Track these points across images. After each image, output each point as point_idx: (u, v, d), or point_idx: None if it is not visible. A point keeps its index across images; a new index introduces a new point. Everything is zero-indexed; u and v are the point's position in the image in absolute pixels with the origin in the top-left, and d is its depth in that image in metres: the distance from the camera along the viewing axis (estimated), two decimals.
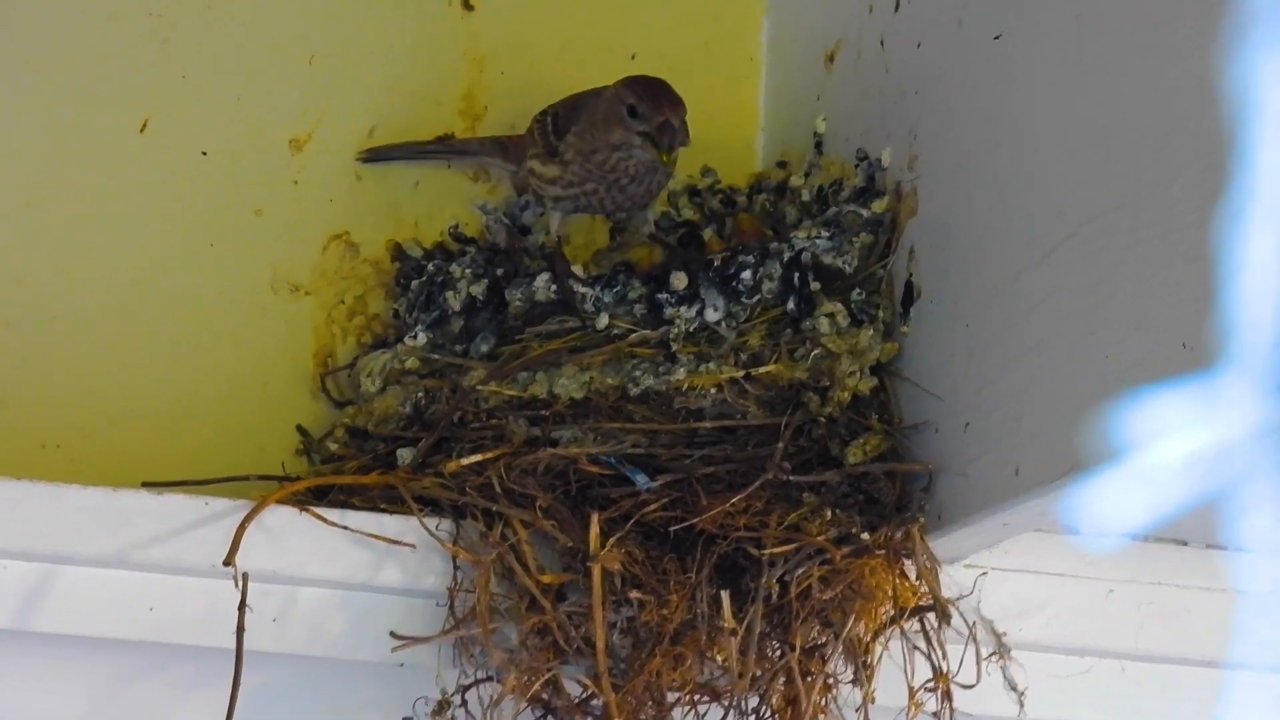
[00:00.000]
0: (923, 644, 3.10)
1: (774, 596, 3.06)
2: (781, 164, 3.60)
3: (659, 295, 3.26)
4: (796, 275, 3.26)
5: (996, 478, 2.93)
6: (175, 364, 3.41)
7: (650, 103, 3.30)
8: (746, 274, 3.25)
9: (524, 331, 3.30)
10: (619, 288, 3.29)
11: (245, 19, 3.51)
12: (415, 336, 3.37)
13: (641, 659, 3.03)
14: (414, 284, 3.45)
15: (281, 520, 3.08)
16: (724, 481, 3.13)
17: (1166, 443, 2.59)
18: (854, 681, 3.10)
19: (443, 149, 3.56)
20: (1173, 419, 2.54)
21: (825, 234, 3.30)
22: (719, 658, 3.06)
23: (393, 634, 3.08)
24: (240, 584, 2.97)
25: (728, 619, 3.03)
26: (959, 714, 3.09)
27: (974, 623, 3.14)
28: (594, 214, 3.48)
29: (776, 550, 3.06)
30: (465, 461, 3.15)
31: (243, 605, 2.97)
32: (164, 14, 3.48)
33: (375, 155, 3.53)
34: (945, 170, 3.17)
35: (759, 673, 3.04)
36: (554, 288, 3.31)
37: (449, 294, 3.38)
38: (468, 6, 3.62)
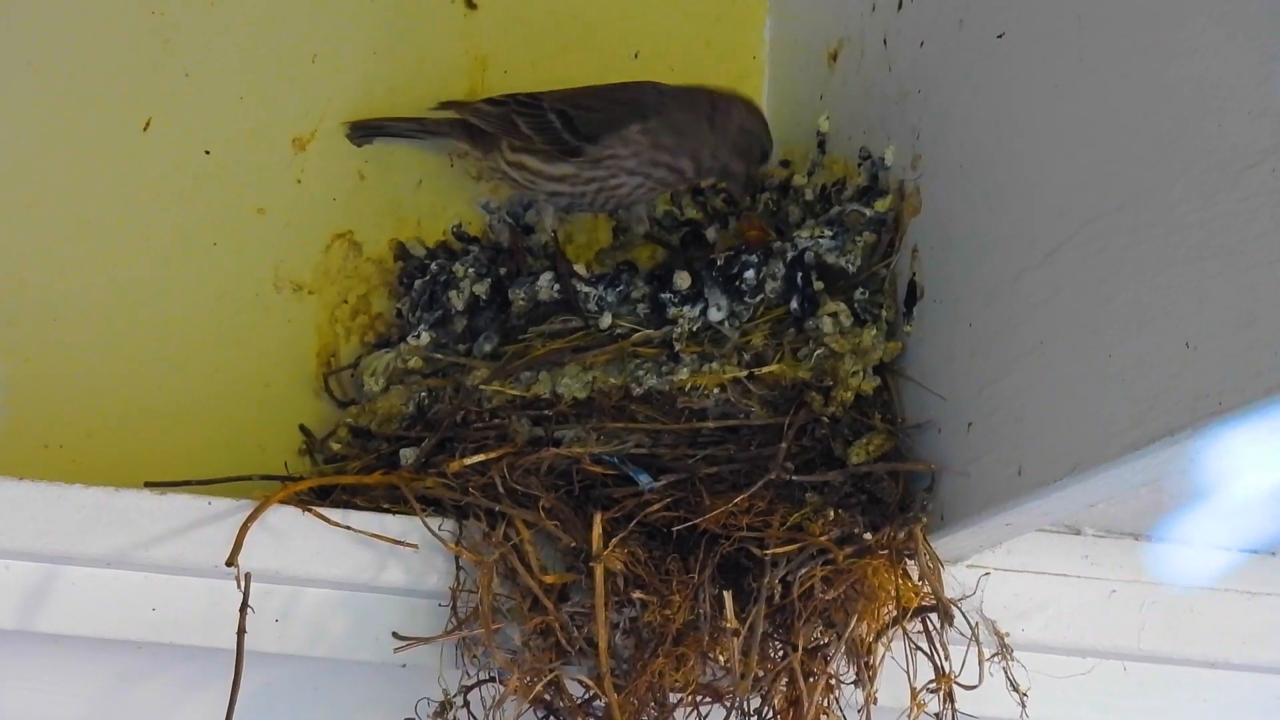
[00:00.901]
0: (925, 644, 3.10)
1: (776, 597, 3.05)
2: (784, 163, 3.59)
3: (662, 294, 3.25)
4: (800, 274, 3.25)
5: (999, 477, 2.93)
6: (178, 363, 3.41)
7: (766, 155, 3.42)
8: (750, 273, 3.25)
9: (527, 331, 3.30)
10: (622, 287, 3.28)
11: (248, 18, 3.51)
12: (418, 336, 3.37)
13: (644, 659, 3.03)
14: (417, 283, 3.44)
15: (284, 520, 3.07)
16: (727, 481, 3.13)
17: None
18: (856, 682, 3.09)
19: (417, 129, 3.51)
20: None
21: (828, 233, 3.30)
22: (721, 658, 3.05)
23: (395, 634, 3.08)
24: (243, 584, 2.97)
25: (730, 619, 3.03)
26: (961, 715, 3.08)
27: (976, 623, 3.13)
28: (590, 213, 3.48)
29: (779, 550, 3.05)
30: (468, 461, 3.15)
31: (245, 605, 2.96)
32: (166, 13, 3.48)
33: (361, 130, 3.51)
34: (948, 169, 3.17)
35: (761, 673, 3.04)
36: (557, 287, 3.31)
37: (452, 293, 3.38)
38: (470, 5, 3.62)
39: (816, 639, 3.08)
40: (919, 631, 3.11)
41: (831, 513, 3.09)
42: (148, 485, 3.08)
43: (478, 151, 3.47)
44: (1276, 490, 3.00)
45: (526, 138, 3.39)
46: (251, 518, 3.03)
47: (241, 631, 2.95)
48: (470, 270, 3.39)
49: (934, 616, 3.10)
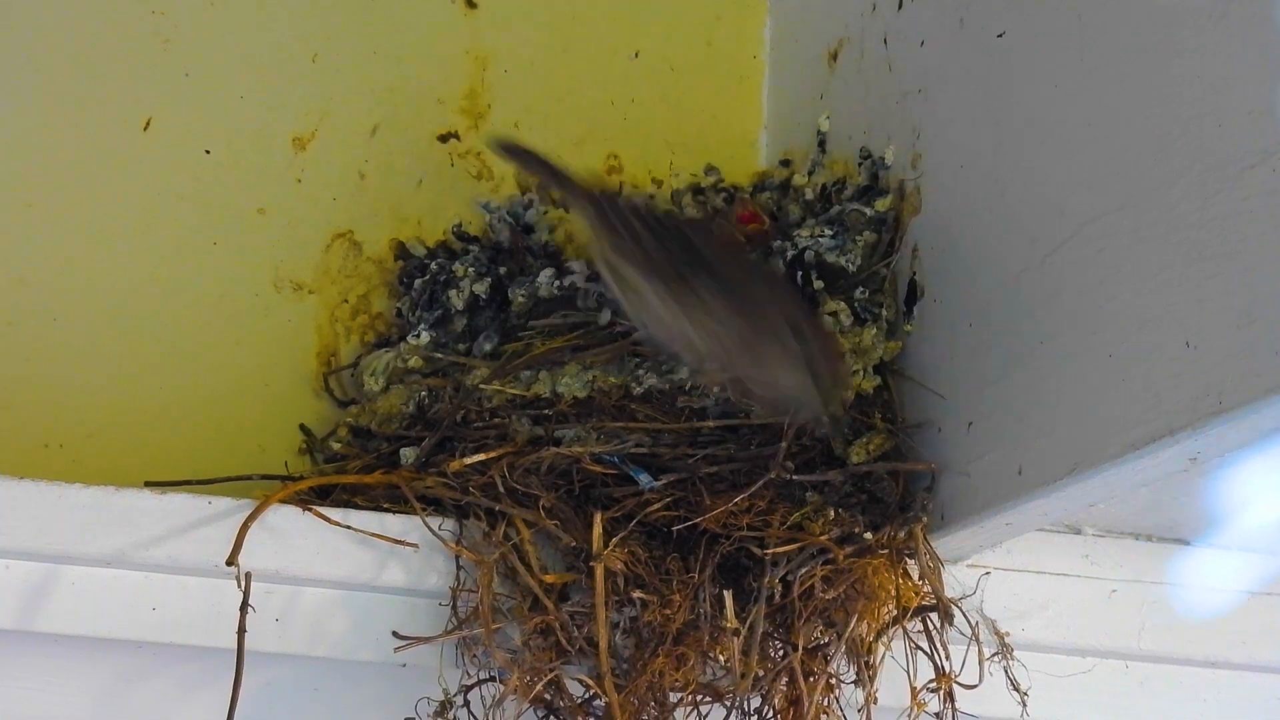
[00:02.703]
0: (925, 644, 3.10)
1: (777, 596, 3.05)
2: (785, 162, 3.60)
3: None
4: (799, 274, 3.25)
5: (999, 477, 2.93)
6: (178, 363, 3.41)
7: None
8: None
9: (527, 327, 3.30)
10: None
11: (248, 17, 3.51)
12: (418, 335, 3.37)
13: (644, 659, 3.03)
14: (417, 282, 3.44)
15: (284, 520, 3.07)
16: (727, 481, 3.12)
17: None
18: (856, 682, 3.09)
19: (554, 175, 3.22)
20: None
21: (828, 232, 3.30)
22: (721, 658, 3.05)
23: (395, 634, 3.07)
24: (243, 584, 2.96)
25: (730, 619, 3.03)
26: (961, 714, 3.09)
27: (976, 623, 3.13)
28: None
29: (779, 550, 3.05)
30: (468, 461, 3.14)
31: (245, 605, 2.96)
32: (166, 12, 3.48)
33: (508, 149, 3.30)
34: (948, 169, 3.17)
35: (761, 673, 3.04)
36: (557, 284, 3.31)
37: (452, 292, 3.38)
38: (471, 5, 3.62)
39: (816, 638, 3.08)
40: (919, 631, 3.11)
41: (832, 512, 3.08)
42: (148, 485, 3.07)
43: (596, 226, 3.10)
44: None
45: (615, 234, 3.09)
46: (251, 517, 3.03)
47: (242, 631, 2.95)
48: (470, 269, 3.39)
49: (934, 616, 3.09)
